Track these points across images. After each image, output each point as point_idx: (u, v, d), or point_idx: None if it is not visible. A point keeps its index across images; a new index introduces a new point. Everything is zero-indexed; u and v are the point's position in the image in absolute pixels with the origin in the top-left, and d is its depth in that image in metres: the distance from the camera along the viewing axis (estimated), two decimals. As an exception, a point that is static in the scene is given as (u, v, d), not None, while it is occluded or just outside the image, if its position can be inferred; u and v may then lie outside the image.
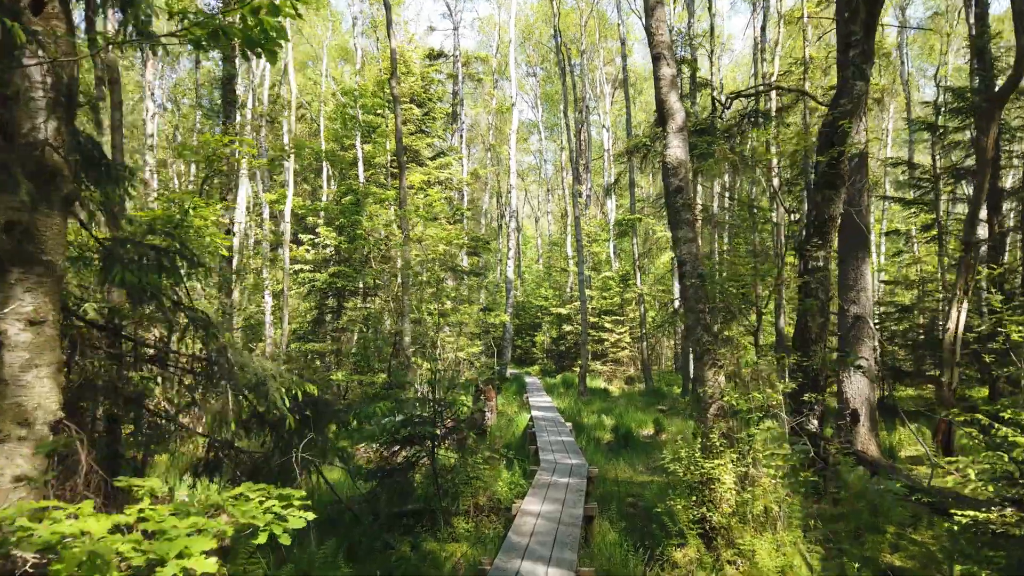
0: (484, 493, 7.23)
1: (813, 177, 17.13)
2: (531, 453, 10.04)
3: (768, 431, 6.20)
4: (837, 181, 7.14)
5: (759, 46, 21.62)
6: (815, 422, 7.55)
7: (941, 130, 13.88)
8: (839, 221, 7.45)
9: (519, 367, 32.51)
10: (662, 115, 6.99)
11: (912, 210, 16.26)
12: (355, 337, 16.89)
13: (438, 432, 7.03)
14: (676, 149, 6.81)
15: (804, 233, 7.64)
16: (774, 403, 6.13)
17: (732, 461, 6.14)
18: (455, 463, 7.01)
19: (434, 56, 28.93)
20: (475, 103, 35.81)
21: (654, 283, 28.56)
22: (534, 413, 14.29)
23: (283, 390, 3.99)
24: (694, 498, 6.20)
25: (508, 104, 30.20)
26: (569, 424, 13.04)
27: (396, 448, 7.25)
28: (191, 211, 6.68)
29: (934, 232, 15.67)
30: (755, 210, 18.36)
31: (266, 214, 27.51)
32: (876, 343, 8.61)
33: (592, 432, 14.10)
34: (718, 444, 6.18)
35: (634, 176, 21.79)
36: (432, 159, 23.03)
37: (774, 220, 18.69)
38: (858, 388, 8.61)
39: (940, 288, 18.75)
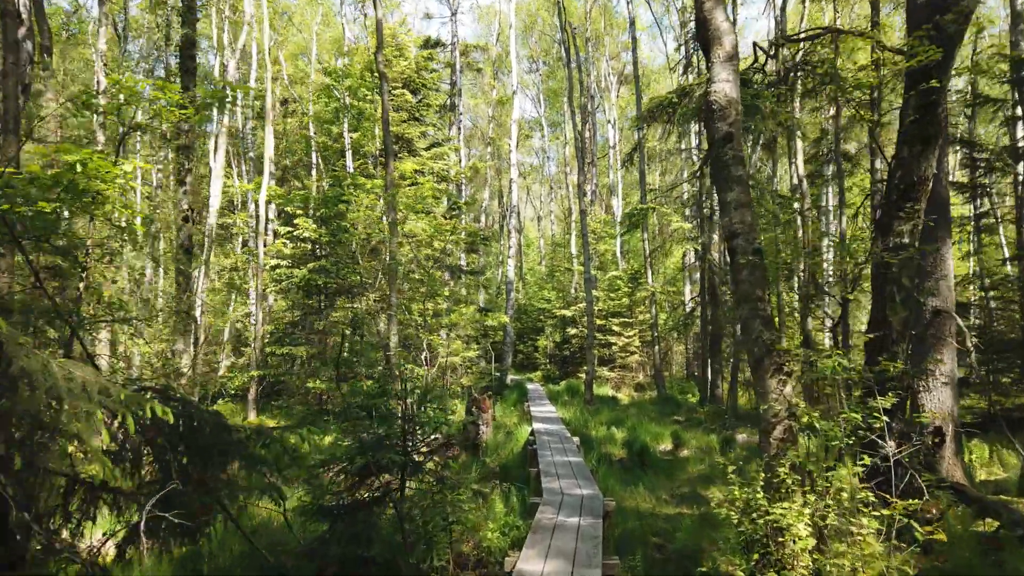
0: (469, 539, 5.53)
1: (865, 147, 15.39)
2: (532, 477, 8.33)
3: (863, 464, 4.45)
4: (931, 130, 5.44)
5: (779, 25, 20.02)
6: (892, 444, 5.85)
7: (999, 103, 12.22)
8: (930, 186, 5.75)
9: (521, 372, 30.76)
10: (704, 40, 5.30)
11: (961, 197, 14.56)
12: (339, 340, 15.19)
13: (408, 460, 5.33)
14: (724, 83, 5.12)
15: (885, 201, 5.94)
16: (877, 425, 4.41)
17: (808, 504, 4.43)
18: (429, 501, 5.30)
19: (430, 44, 27.39)
20: (474, 96, 34.21)
21: (664, 284, 26.86)
22: (536, 426, 12.58)
23: (98, 415, 2.35)
24: (756, 556, 4.48)
25: (509, 95, 28.63)
26: (576, 439, 11.33)
27: (355, 480, 5.55)
28: (79, 168, 5.03)
29: (985, 221, 13.95)
30: (779, 200, 16.65)
31: (252, 209, 25.89)
32: (970, 343, 6.94)
33: (602, 447, 12.38)
34: (789, 481, 4.47)
35: (644, 167, 20.12)
36: (426, 149, 21.40)
37: (797, 209, 16.99)
38: (941, 401, 6.89)
39: (984, 283, 17.03)
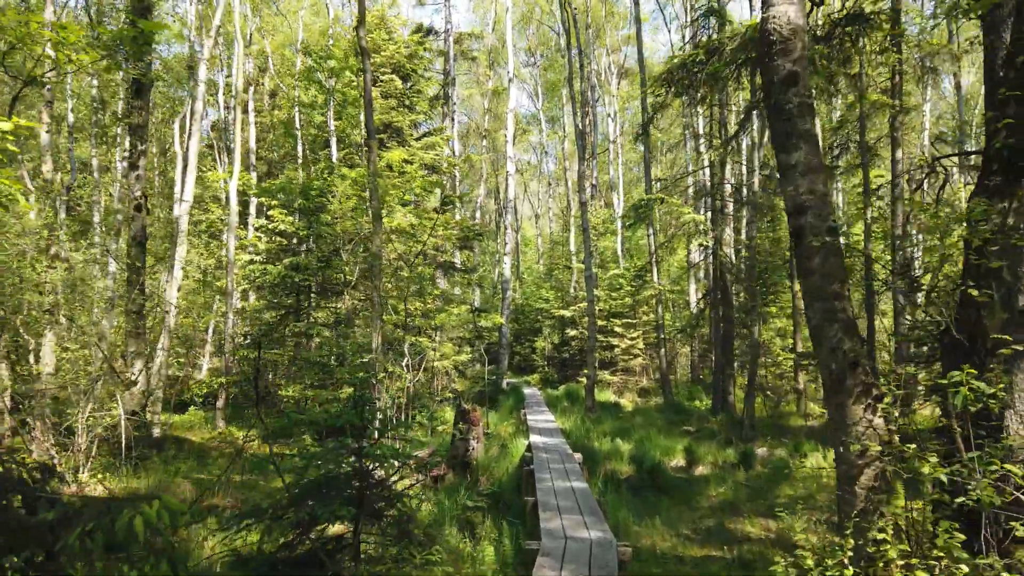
0: (445, 612, 4.23)
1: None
2: (527, 510, 7.03)
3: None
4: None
5: None
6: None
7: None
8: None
9: (518, 375, 29.46)
10: (758, -50, 4.01)
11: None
12: (319, 343, 13.87)
13: (361, 511, 4.02)
14: (786, 6, 3.83)
15: (982, 171, 4.65)
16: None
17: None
18: (390, 565, 4.00)
19: (423, 32, 26.10)
20: (468, 87, 32.86)
21: (668, 283, 25.58)
22: (533, 439, 11.28)
23: None
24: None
25: (505, 85, 27.38)
26: (578, 455, 10.04)
27: (297, 534, 4.24)
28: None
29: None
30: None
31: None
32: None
33: (607, 463, 11.11)
34: (892, 554, 3.16)
35: (649, 156, 18.81)
36: (417, 139, 20.08)
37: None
38: (1033, 422, 5.60)
39: None
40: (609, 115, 34.83)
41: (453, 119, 26.25)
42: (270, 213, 13.26)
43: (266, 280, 13.75)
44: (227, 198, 20.12)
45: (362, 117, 17.74)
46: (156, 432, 13.17)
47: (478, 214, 32.52)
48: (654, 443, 12.23)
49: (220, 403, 13.45)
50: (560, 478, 8.15)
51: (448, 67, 26.98)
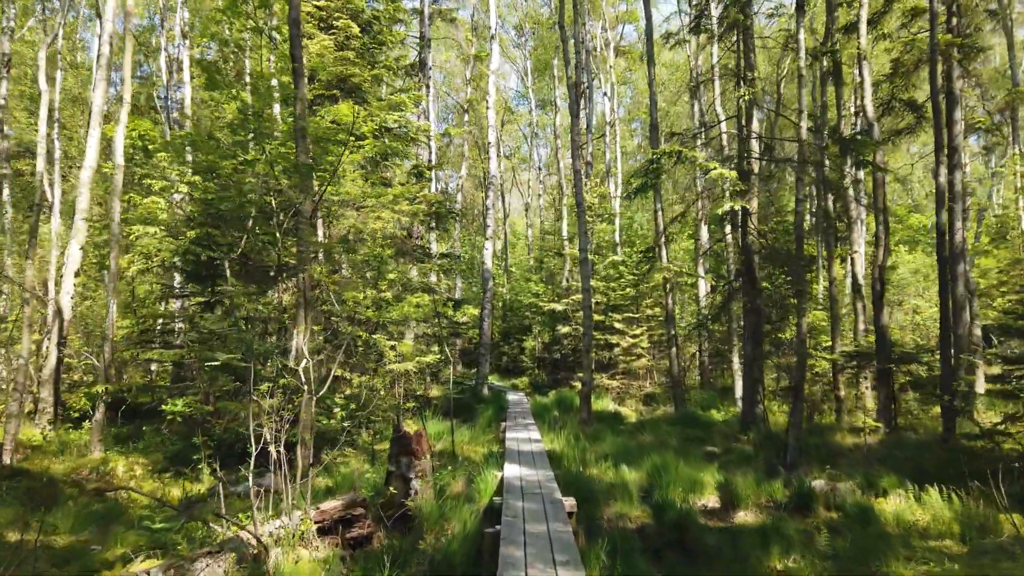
0: None
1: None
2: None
3: None
4: None
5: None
6: None
7: None
8: None
9: (504, 378, 26.25)
10: None
11: None
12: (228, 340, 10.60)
13: None
14: None
15: None
16: None
17: None
18: None
19: (395, -9, 22.91)
20: (447, 51, 29.64)
21: (674, 274, 22.43)
22: (508, 473, 8.07)
23: None
24: None
25: (486, 51, 24.25)
26: (569, 502, 6.82)
27: None
28: None
29: None
30: (845, 145, 12.24)
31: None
32: None
33: (609, 503, 7.98)
34: None
35: (656, 117, 15.60)
36: (379, 100, 16.86)
37: (870, 162, 12.57)
38: None
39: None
40: (605, 93, 31.83)
41: (429, 87, 23.05)
42: (163, 166, 10.04)
43: (164, 258, 10.50)
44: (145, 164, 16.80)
45: (321, 76, 14.50)
46: (6, 459, 9.93)
47: (460, 197, 29.30)
48: (673, 473, 8.98)
49: (97, 417, 10.19)
50: (540, 557, 4.95)
51: (423, 29, 23.76)
